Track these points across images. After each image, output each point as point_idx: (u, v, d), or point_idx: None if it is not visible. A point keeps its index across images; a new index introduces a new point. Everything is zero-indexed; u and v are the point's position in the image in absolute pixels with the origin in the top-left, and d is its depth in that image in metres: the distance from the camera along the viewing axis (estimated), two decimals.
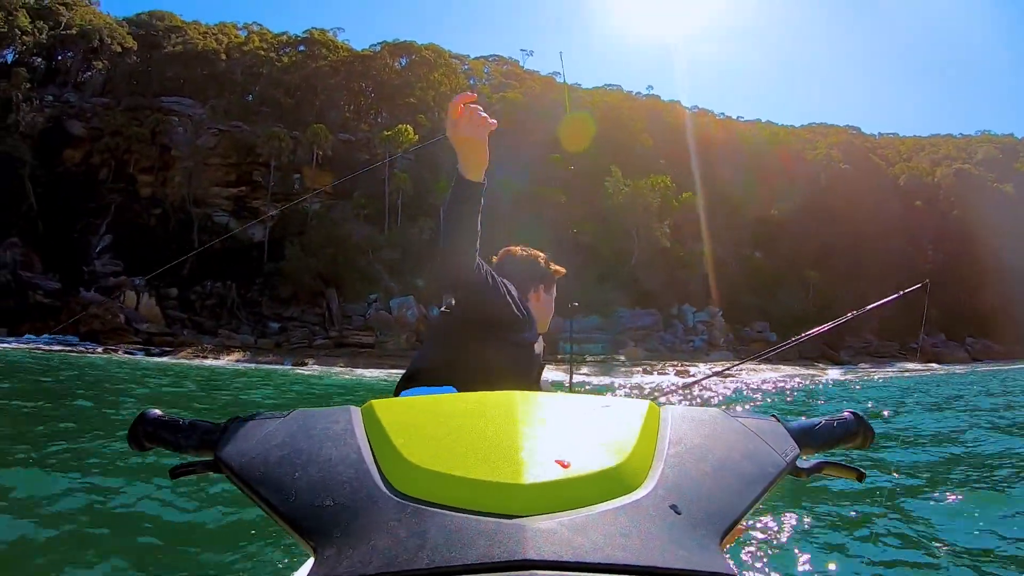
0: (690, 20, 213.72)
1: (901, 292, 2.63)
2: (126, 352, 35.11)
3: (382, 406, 0.63)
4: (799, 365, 43.25)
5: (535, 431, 0.57)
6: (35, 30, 53.94)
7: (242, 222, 42.79)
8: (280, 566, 2.78)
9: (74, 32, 53.88)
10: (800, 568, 2.94)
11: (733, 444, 0.60)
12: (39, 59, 54.81)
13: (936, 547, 3.17)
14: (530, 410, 0.63)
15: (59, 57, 54.90)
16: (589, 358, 43.32)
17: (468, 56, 54.32)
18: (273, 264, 42.43)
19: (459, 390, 1.26)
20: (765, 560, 2.96)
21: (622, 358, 42.99)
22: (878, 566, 2.98)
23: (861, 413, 0.72)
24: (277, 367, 29.99)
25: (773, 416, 0.69)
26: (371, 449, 0.55)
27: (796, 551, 3.11)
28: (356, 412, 0.63)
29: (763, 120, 62.06)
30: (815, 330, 2.45)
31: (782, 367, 40.94)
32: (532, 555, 0.40)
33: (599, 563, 0.41)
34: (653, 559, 0.42)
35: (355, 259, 41.37)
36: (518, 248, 1.67)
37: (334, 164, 43.63)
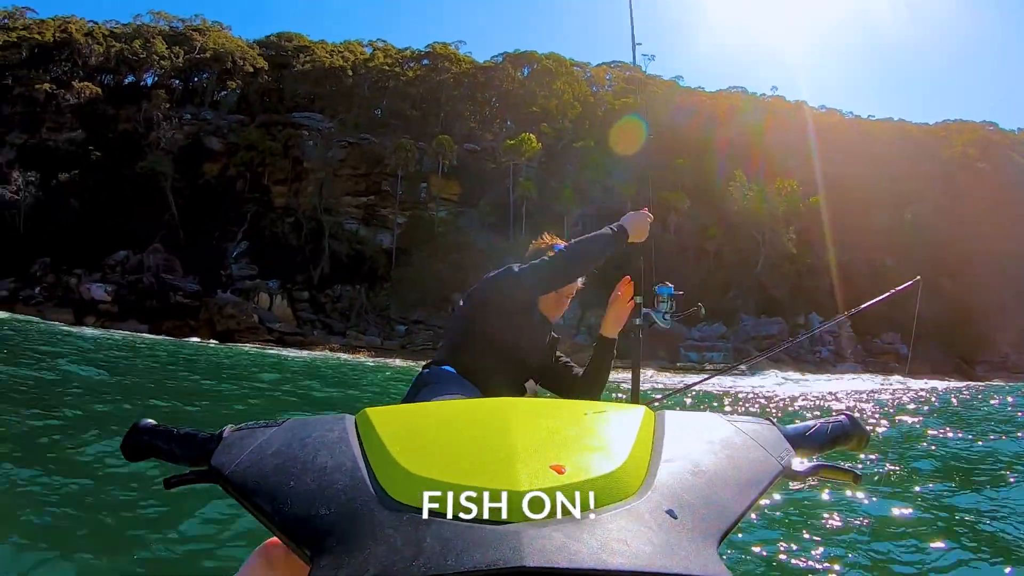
0: (815, 16, 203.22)
1: (892, 291, 2.52)
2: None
3: (376, 414, 0.62)
4: (930, 377, 41.48)
5: (530, 437, 0.57)
6: (172, 55, 59.06)
7: (371, 229, 44.85)
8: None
9: (208, 56, 58.55)
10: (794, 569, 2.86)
11: (729, 448, 0.60)
12: (176, 81, 59.94)
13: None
14: (525, 416, 0.63)
15: (195, 79, 59.79)
16: (709, 366, 42.44)
17: (589, 64, 54.70)
18: (401, 270, 44.22)
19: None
20: (760, 562, 2.89)
21: (744, 368, 41.93)
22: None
23: (856, 415, 0.72)
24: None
25: (768, 420, 0.69)
26: (366, 457, 0.55)
27: (789, 552, 3.00)
28: (350, 420, 0.63)
29: (894, 118, 58.63)
30: (821, 330, 2.54)
31: (908, 380, 40.21)
32: (528, 562, 0.40)
33: (595, 569, 0.41)
34: (650, 564, 0.42)
35: (481, 265, 42.27)
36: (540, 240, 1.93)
37: (460, 173, 45.07)
